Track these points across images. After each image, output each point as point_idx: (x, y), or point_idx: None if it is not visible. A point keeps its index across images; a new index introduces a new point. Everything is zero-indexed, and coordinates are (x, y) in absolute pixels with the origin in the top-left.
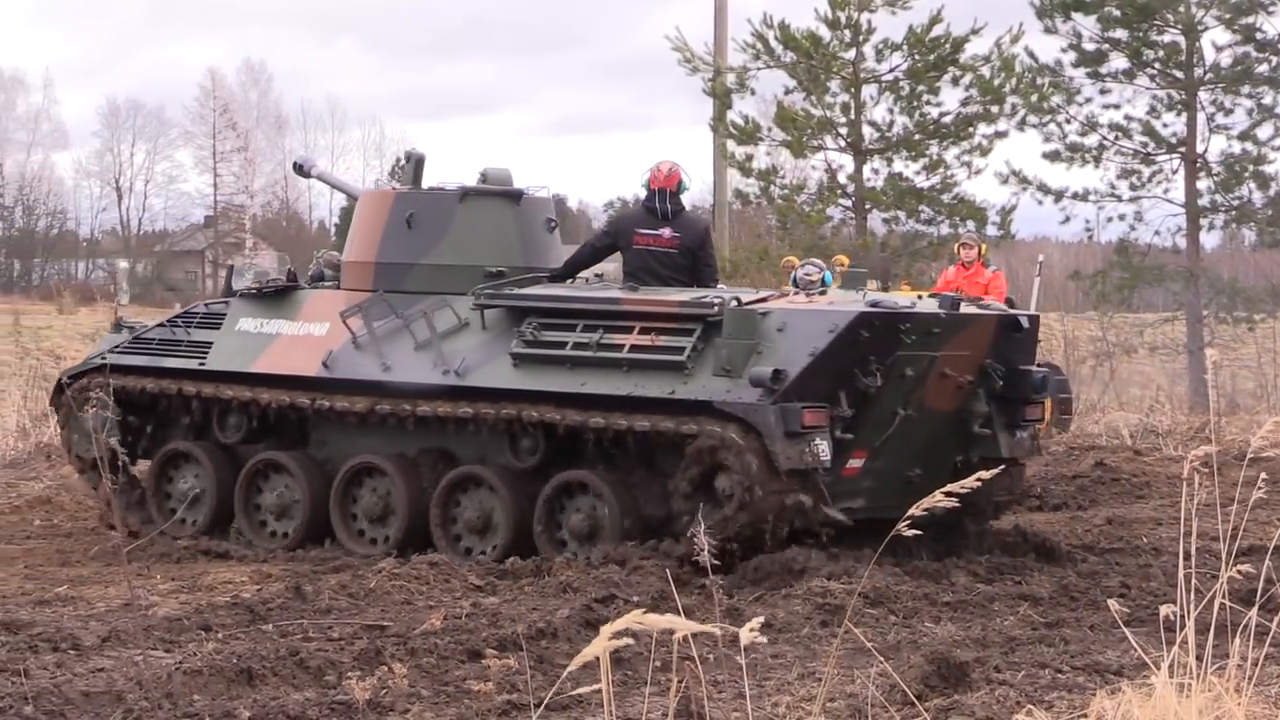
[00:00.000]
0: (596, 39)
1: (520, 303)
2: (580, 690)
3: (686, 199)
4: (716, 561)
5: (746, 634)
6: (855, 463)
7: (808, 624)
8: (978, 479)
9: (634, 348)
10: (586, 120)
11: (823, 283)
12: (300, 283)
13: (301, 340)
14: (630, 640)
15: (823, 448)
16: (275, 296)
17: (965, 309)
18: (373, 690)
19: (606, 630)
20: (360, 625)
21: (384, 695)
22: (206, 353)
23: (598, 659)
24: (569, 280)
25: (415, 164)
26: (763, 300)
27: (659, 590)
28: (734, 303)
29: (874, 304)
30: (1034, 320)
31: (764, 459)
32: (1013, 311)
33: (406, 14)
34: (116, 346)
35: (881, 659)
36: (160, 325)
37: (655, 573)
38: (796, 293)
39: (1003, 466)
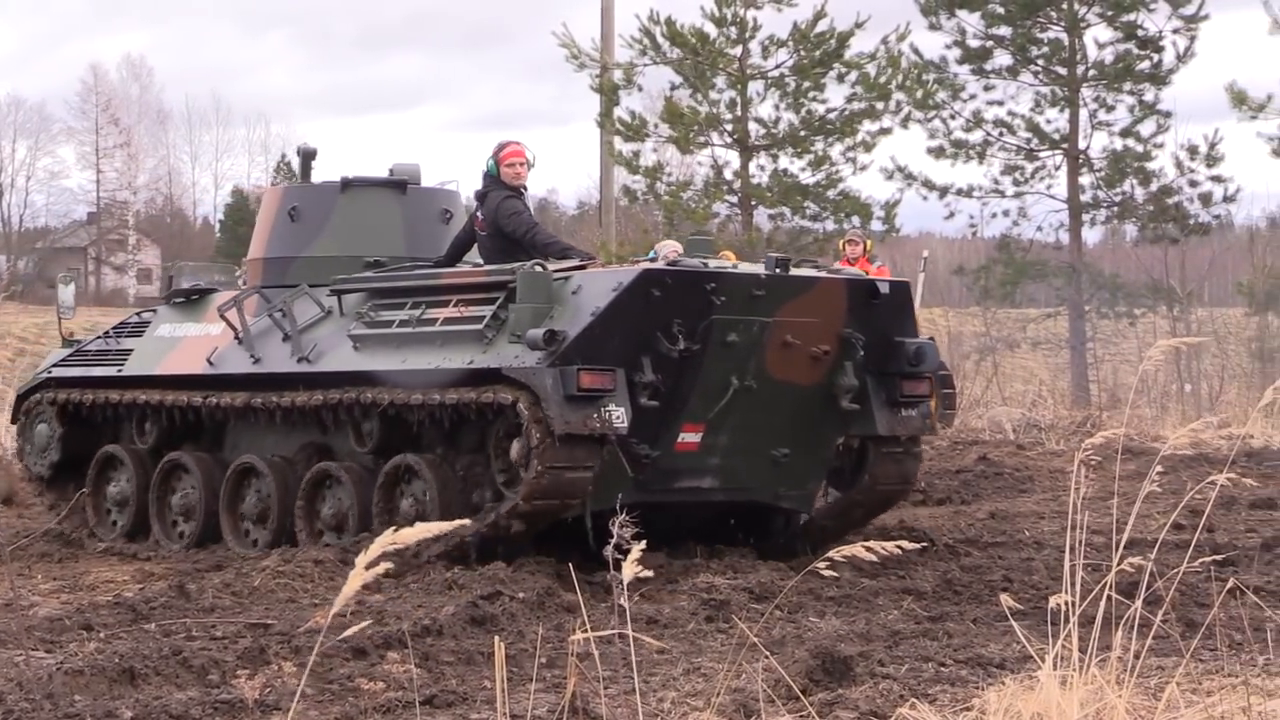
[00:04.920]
0: (528, 35)
1: (361, 285)
2: (466, 686)
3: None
4: (619, 556)
5: (629, 569)
6: (690, 437)
7: (693, 620)
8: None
9: (446, 320)
10: (509, 115)
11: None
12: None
13: (201, 340)
14: (390, 564)
15: (617, 414)
16: (198, 300)
17: (798, 271)
18: (259, 689)
19: (362, 560)
20: (244, 624)
21: (269, 694)
22: (126, 360)
23: (491, 655)
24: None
25: (304, 158)
26: (579, 268)
27: (545, 587)
28: (537, 269)
29: (673, 263)
30: (899, 286)
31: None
32: (866, 276)
33: (341, 9)
34: (61, 360)
35: (767, 654)
36: (98, 337)
37: (542, 569)
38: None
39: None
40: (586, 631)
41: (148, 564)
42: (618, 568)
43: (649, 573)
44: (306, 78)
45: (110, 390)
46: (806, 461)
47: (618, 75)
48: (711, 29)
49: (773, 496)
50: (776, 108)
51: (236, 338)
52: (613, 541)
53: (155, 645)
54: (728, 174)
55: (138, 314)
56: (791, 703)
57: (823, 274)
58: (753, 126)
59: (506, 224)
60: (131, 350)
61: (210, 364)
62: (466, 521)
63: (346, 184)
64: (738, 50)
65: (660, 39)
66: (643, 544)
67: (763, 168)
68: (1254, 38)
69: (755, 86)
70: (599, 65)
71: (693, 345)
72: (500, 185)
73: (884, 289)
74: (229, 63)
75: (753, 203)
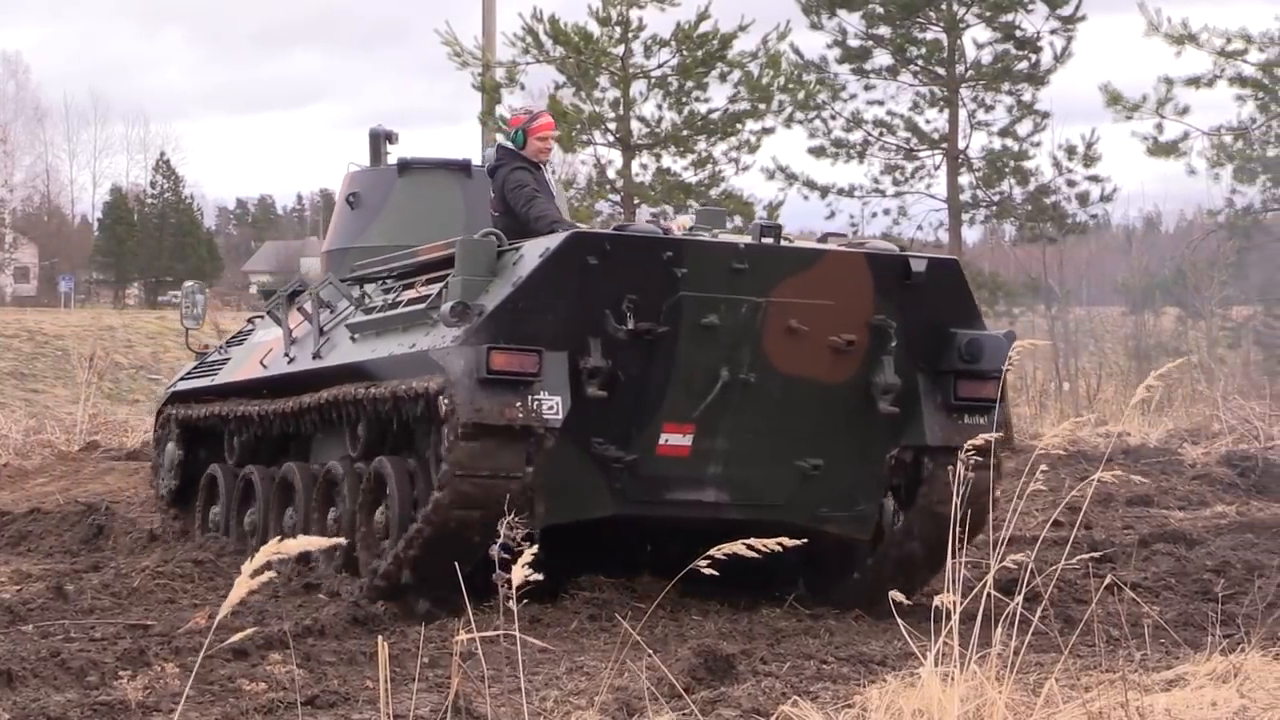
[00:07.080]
0: (426, 34)
1: (367, 271)
2: (347, 687)
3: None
4: (506, 555)
5: (519, 572)
6: (675, 440)
7: (576, 619)
8: (778, 543)
9: (410, 301)
10: (403, 114)
11: None
12: None
13: (272, 342)
14: (274, 574)
15: (549, 404)
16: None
17: (798, 243)
18: (140, 690)
19: (248, 568)
20: (124, 625)
21: (149, 695)
22: (221, 369)
23: (373, 656)
24: None
25: (374, 140)
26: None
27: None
28: (488, 238)
29: (620, 228)
30: (942, 264)
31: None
32: (898, 251)
33: (243, 6)
34: (185, 374)
35: (650, 652)
36: (219, 346)
37: None
38: None
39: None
40: (470, 631)
41: (24, 564)
42: (504, 567)
43: (538, 575)
44: (201, 75)
45: (209, 403)
46: (850, 476)
47: (500, 74)
48: (595, 28)
49: (811, 518)
50: (659, 107)
51: (285, 337)
52: (499, 542)
53: (33, 647)
54: (611, 173)
55: (249, 320)
56: (674, 701)
57: (832, 246)
58: (635, 125)
59: (511, 197)
60: (229, 359)
61: (264, 367)
62: (340, 541)
63: (404, 166)
64: (621, 49)
65: (543, 37)
66: (535, 548)
67: (645, 166)
68: (1130, 39)
69: (638, 86)
70: (481, 63)
71: (655, 327)
72: (515, 158)
73: (918, 266)
74: (124, 59)
75: (636, 202)
